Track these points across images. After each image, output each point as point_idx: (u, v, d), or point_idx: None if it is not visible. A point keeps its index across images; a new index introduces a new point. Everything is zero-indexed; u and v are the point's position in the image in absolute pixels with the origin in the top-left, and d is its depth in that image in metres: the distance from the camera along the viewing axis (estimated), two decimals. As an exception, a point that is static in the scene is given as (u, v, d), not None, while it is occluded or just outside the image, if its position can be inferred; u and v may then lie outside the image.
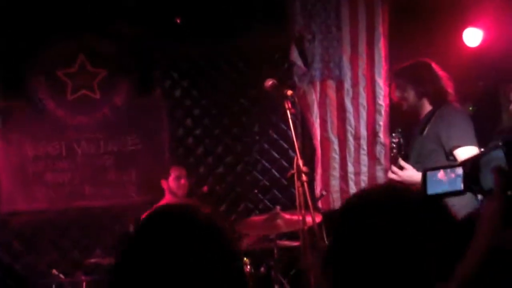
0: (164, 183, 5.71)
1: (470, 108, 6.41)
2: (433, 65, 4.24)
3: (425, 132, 3.93)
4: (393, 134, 4.16)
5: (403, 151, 4.04)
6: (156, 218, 1.43)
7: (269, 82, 3.48)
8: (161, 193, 5.72)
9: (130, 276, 1.35)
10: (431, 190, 1.63)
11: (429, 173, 1.65)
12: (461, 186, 1.61)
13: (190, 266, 1.33)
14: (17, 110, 6.24)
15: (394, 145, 4.06)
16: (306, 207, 3.30)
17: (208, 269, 1.34)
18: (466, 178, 1.60)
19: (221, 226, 1.43)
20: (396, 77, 4.35)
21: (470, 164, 1.61)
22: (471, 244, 1.49)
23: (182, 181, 5.68)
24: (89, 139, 6.34)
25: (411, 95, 4.15)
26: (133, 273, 1.34)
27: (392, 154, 4.15)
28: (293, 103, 3.47)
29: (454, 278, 1.44)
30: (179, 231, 1.37)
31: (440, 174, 1.64)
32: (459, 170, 1.62)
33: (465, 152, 3.74)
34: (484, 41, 5.90)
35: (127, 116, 6.38)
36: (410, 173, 3.85)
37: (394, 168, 3.88)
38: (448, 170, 1.64)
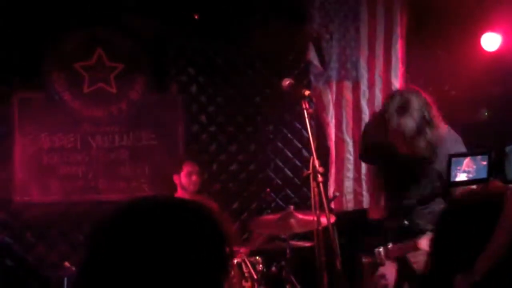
0: (176, 178, 5.72)
1: (486, 113, 6.38)
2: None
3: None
4: None
5: None
6: (130, 208, 1.40)
7: (287, 82, 3.47)
8: (174, 188, 5.74)
9: (103, 267, 1.32)
10: (454, 177, 1.61)
11: (454, 159, 1.62)
12: (485, 174, 1.59)
13: (166, 253, 1.30)
14: (34, 101, 6.26)
15: None
16: (321, 208, 3.29)
17: (190, 263, 1.31)
18: (491, 166, 1.58)
19: (212, 220, 1.40)
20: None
21: (496, 153, 1.59)
22: (492, 237, 1.49)
23: (194, 177, 5.68)
24: (104, 132, 6.36)
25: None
26: (107, 264, 1.32)
27: None
28: (310, 103, 3.46)
29: (475, 270, 1.44)
30: (160, 221, 1.33)
31: (465, 161, 1.62)
32: (485, 158, 1.59)
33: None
34: (502, 46, 5.87)
35: (142, 111, 6.40)
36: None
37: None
38: (474, 157, 1.61)
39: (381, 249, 3.61)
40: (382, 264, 3.62)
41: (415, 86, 3.95)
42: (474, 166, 1.60)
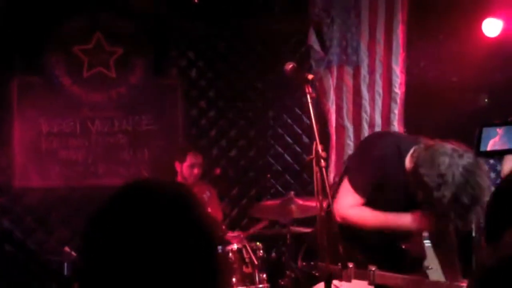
0: (178, 166, 5.68)
1: (486, 100, 6.37)
2: None
3: None
4: None
5: None
6: (125, 193, 1.40)
7: (289, 66, 3.42)
8: (173, 173, 5.72)
9: (97, 252, 1.33)
10: (484, 147, 1.58)
11: (485, 129, 1.59)
12: None
13: (157, 242, 1.30)
14: (33, 86, 6.23)
15: None
16: (324, 193, 3.27)
17: (177, 249, 1.31)
18: None
19: (196, 205, 1.40)
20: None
21: None
22: None
23: (196, 170, 5.62)
24: (103, 117, 6.33)
25: None
26: (100, 245, 1.33)
27: None
28: (313, 88, 3.42)
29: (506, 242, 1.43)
30: (148, 207, 1.33)
31: (497, 131, 1.58)
32: None
33: None
34: (503, 31, 5.85)
35: (142, 95, 6.37)
36: None
37: None
38: (505, 127, 1.58)
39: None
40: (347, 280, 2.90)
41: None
42: (505, 136, 1.57)
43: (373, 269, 3.00)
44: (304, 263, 3.26)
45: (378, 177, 3.15)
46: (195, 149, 5.83)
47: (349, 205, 3.21)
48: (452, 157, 2.86)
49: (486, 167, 2.92)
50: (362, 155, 3.35)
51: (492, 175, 5.44)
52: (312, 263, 3.09)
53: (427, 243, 3.55)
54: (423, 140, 3.08)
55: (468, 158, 2.85)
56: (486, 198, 2.78)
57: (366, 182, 3.20)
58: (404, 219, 3.14)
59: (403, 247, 3.29)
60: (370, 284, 3.07)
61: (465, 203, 2.82)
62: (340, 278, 2.94)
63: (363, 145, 3.63)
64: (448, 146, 2.93)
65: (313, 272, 3.10)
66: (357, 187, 3.20)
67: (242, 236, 5.10)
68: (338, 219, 3.16)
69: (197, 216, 1.37)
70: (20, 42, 6.08)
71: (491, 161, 5.71)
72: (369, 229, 3.17)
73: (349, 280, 2.94)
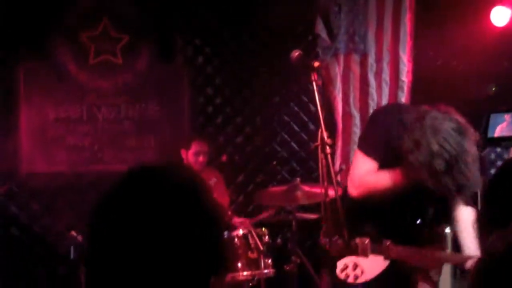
0: (183, 153, 5.70)
1: (493, 89, 6.35)
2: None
3: None
4: None
5: None
6: (131, 177, 1.40)
7: (296, 53, 3.42)
8: (180, 160, 5.73)
9: (103, 234, 1.33)
10: (492, 133, 1.59)
11: (492, 115, 1.60)
12: None
13: (163, 227, 1.30)
14: (39, 72, 6.24)
15: None
16: (329, 180, 3.28)
17: (183, 233, 1.30)
18: None
19: (203, 190, 1.38)
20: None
21: None
22: None
23: (201, 158, 5.64)
24: (110, 104, 6.34)
25: None
26: (106, 231, 1.33)
27: None
28: (319, 75, 3.42)
29: None
30: (154, 192, 1.33)
31: (505, 117, 1.59)
32: None
33: None
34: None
35: (148, 82, 6.37)
36: None
37: None
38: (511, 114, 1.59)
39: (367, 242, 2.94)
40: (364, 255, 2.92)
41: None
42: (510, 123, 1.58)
43: (388, 243, 3.02)
44: (324, 239, 3.22)
45: (384, 135, 3.13)
46: (201, 137, 5.84)
47: (363, 171, 3.18)
48: (435, 122, 2.89)
49: (474, 133, 2.92)
50: (367, 124, 3.46)
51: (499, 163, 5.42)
52: (329, 239, 3.05)
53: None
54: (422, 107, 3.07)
55: (451, 122, 2.89)
56: (467, 163, 2.85)
57: (374, 140, 3.19)
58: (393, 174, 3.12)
59: (418, 222, 3.29)
60: (385, 258, 3.08)
61: (439, 167, 2.85)
62: (356, 254, 2.95)
63: (368, 119, 3.67)
64: (434, 112, 2.95)
65: (330, 247, 3.07)
66: (366, 150, 3.19)
67: (248, 222, 5.13)
68: (354, 191, 3.19)
69: (204, 200, 1.37)
70: (26, 28, 6.08)
71: (498, 149, 5.70)
72: (384, 193, 3.14)
73: (365, 255, 2.94)
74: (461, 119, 2.93)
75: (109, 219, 1.33)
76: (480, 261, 1.36)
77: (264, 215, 5.20)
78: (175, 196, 1.34)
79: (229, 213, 5.19)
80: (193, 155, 5.63)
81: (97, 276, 1.33)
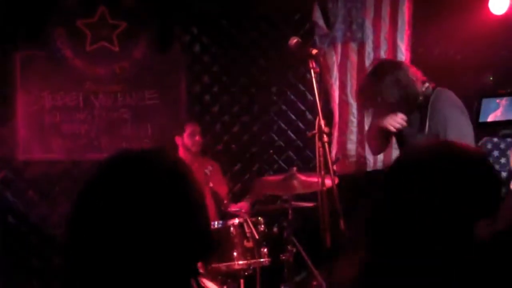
0: (178, 139, 5.69)
1: (491, 78, 6.33)
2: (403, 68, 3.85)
3: (426, 130, 3.68)
4: None
5: None
6: (115, 162, 1.39)
7: (294, 40, 3.41)
8: (176, 149, 5.72)
9: (86, 220, 1.32)
10: (484, 118, 1.58)
11: (484, 100, 1.59)
12: None
13: (147, 212, 1.29)
14: (36, 59, 6.21)
15: None
16: (326, 169, 3.27)
17: (165, 219, 1.30)
18: None
19: (185, 175, 1.38)
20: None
21: None
22: None
23: (197, 137, 5.66)
24: (106, 91, 6.32)
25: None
26: (89, 217, 1.32)
27: None
28: (317, 63, 3.41)
29: (500, 217, 1.41)
30: (138, 177, 1.33)
31: (496, 102, 1.58)
32: None
33: None
34: (510, 9, 5.79)
35: (145, 70, 6.35)
36: None
37: None
38: (505, 98, 1.57)
39: None
40: None
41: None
42: (505, 107, 1.56)
43: None
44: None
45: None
46: (192, 120, 5.86)
47: None
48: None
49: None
50: None
51: (503, 160, 5.39)
52: None
53: None
54: None
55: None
56: None
57: None
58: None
59: None
60: None
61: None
62: None
63: None
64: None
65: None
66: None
67: (247, 205, 5.14)
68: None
69: (186, 185, 1.36)
70: (23, 15, 6.05)
71: (495, 139, 5.66)
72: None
73: None
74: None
75: (91, 205, 1.32)
76: (470, 251, 1.36)
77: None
78: (157, 181, 1.33)
79: (225, 201, 5.18)
80: (188, 136, 5.63)
81: (79, 265, 1.32)
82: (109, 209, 1.30)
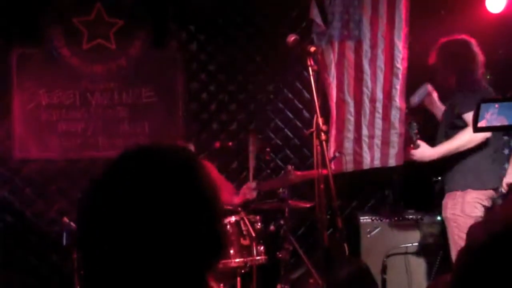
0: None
1: (488, 77, 6.33)
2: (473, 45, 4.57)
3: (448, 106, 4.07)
4: (413, 124, 4.39)
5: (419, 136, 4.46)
6: (126, 158, 1.38)
7: (292, 38, 3.42)
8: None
9: (96, 217, 1.31)
10: (482, 123, 1.56)
11: (483, 105, 1.57)
12: None
13: (158, 207, 1.28)
14: (32, 57, 6.19)
15: (414, 134, 4.43)
16: (323, 166, 3.27)
17: (178, 214, 1.29)
18: None
19: (199, 171, 1.37)
20: (441, 49, 4.76)
21: None
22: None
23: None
24: (103, 89, 6.30)
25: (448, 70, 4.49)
26: (99, 214, 1.31)
27: (412, 145, 4.49)
28: (315, 60, 3.41)
29: (497, 218, 1.38)
30: (152, 172, 1.32)
31: (494, 107, 1.56)
32: None
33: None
34: (507, 7, 5.80)
35: (142, 68, 6.33)
36: (421, 150, 4.22)
37: (412, 151, 4.39)
38: (504, 104, 1.56)
39: None
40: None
41: None
42: (503, 112, 1.55)
43: None
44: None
45: None
46: (185, 139, 5.84)
47: None
48: None
49: None
50: None
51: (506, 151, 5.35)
52: None
53: None
54: None
55: None
56: None
57: None
58: None
59: None
60: None
61: None
62: None
63: None
64: None
65: None
66: None
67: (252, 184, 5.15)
68: None
69: (200, 181, 1.35)
70: (20, 13, 6.03)
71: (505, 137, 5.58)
72: None
73: None
74: None
75: (104, 199, 1.31)
76: (462, 253, 1.34)
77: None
78: (171, 176, 1.32)
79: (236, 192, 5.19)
80: None
81: (92, 258, 1.31)
82: (123, 205, 1.29)
